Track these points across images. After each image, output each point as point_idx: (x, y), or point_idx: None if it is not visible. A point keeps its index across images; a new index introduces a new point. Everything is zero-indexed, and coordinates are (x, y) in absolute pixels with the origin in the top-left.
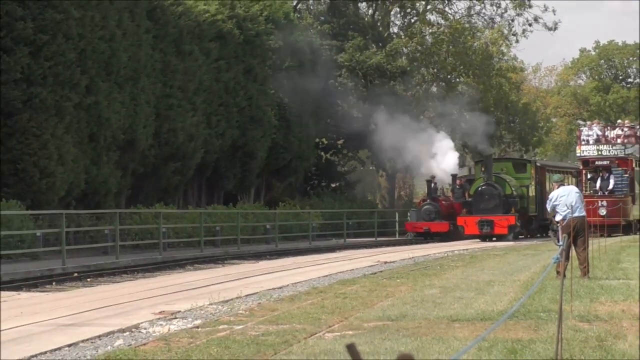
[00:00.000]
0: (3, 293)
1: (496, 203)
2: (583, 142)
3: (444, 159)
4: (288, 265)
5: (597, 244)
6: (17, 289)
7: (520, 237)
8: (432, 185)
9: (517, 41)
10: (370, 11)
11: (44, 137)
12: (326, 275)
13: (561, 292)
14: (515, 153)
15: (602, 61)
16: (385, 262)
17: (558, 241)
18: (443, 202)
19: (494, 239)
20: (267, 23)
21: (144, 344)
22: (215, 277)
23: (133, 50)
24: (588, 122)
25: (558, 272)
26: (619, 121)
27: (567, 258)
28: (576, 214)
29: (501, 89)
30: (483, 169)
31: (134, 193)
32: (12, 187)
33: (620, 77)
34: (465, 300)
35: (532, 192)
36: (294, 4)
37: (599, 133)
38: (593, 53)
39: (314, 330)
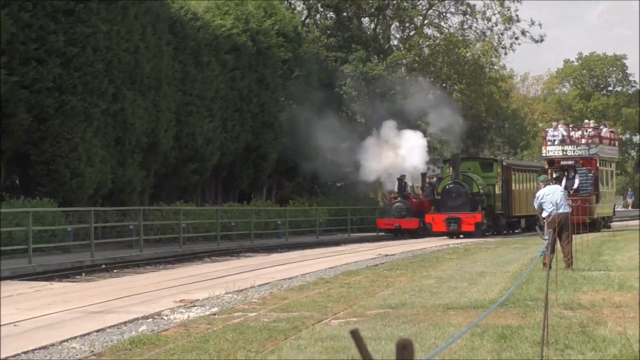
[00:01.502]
0: (37, 283)
1: (463, 201)
2: (549, 143)
3: (411, 157)
4: (297, 257)
5: (579, 239)
6: (50, 279)
7: (487, 234)
8: (403, 183)
9: (505, 54)
10: (372, 25)
11: (74, 140)
12: (332, 267)
13: (547, 282)
14: (505, 155)
15: (585, 71)
16: (386, 255)
17: (544, 235)
18: (413, 199)
19: (461, 236)
20: (278, 36)
21: (166, 330)
22: (231, 268)
23: (155, 61)
24: (554, 123)
25: (544, 264)
26: (585, 121)
27: (553, 251)
28: (561, 211)
29: (492, 97)
30: (451, 168)
31: (157, 191)
32: (45, 186)
33: (601, 86)
34: (460, 290)
35: (498, 190)
36: (303, 19)
37: (564, 134)
38: (576, 63)
39: (321, 317)
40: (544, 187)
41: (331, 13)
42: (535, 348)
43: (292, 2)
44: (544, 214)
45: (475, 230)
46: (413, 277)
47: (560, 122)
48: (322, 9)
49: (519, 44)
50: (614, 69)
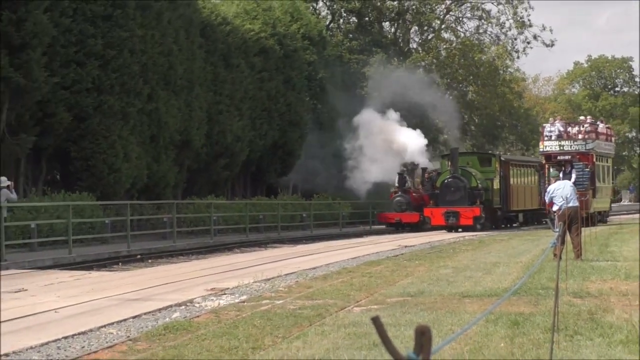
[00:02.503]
0: (77, 272)
1: (462, 195)
2: (546, 138)
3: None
4: (321, 248)
5: (588, 231)
6: (89, 268)
7: (485, 228)
8: (403, 177)
9: (518, 57)
10: (393, 29)
11: (111, 138)
12: (354, 257)
13: (557, 272)
14: (518, 152)
15: (593, 72)
16: (406, 246)
17: (554, 228)
18: (413, 194)
19: (460, 229)
20: (303, 40)
21: (198, 316)
22: (259, 259)
23: (188, 64)
24: (551, 119)
25: (555, 255)
26: (580, 118)
27: (563, 242)
28: (570, 205)
29: (505, 97)
30: (449, 163)
31: (189, 186)
32: (84, 181)
33: (609, 87)
34: (475, 279)
35: (496, 185)
36: (327, 23)
37: (561, 129)
38: (585, 65)
39: (344, 305)
40: (555, 182)
41: (354, 18)
42: (546, 334)
43: (317, 7)
44: (555, 208)
45: (474, 224)
46: (431, 267)
47: (557, 117)
48: (345, 14)
49: (531, 48)
50: (621, 70)
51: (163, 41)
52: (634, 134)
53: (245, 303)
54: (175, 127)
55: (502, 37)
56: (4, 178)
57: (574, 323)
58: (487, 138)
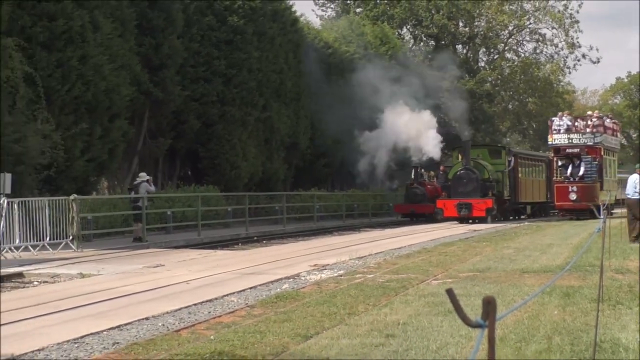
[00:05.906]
0: (204, 251)
1: (474, 187)
2: (554, 132)
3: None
4: (405, 232)
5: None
6: (214, 248)
7: (495, 219)
8: (418, 170)
9: (569, 73)
10: (464, 51)
11: (233, 141)
12: (432, 239)
13: (602, 252)
14: None
15: (632, 86)
16: (475, 231)
17: (599, 214)
18: (428, 186)
19: (470, 221)
20: (390, 60)
21: (303, 287)
22: (353, 240)
23: (295, 80)
24: (559, 113)
25: (636, 237)
26: (588, 112)
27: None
28: (631, 196)
29: (559, 106)
30: (460, 155)
31: (296, 180)
32: (210, 176)
33: None
34: (533, 258)
35: (506, 177)
36: (410, 46)
37: (569, 123)
38: (626, 80)
39: (424, 279)
40: (637, 173)
41: (432, 41)
42: (592, 304)
43: (402, 32)
44: (627, 195)
45: (486, 216)
46: (496, 248)
47: (566, 112)
48: (425, 38)
49: (580, 65)
50: None
51: (275, 61)
52: None
53: (342, 277)
54: (285, 132)
55: (556, 56)
56: (144, 173)
57: (616, 295)
58: (543, 141)
